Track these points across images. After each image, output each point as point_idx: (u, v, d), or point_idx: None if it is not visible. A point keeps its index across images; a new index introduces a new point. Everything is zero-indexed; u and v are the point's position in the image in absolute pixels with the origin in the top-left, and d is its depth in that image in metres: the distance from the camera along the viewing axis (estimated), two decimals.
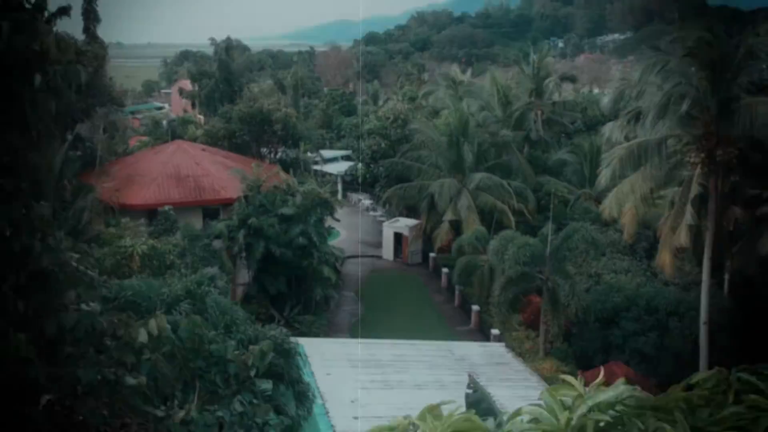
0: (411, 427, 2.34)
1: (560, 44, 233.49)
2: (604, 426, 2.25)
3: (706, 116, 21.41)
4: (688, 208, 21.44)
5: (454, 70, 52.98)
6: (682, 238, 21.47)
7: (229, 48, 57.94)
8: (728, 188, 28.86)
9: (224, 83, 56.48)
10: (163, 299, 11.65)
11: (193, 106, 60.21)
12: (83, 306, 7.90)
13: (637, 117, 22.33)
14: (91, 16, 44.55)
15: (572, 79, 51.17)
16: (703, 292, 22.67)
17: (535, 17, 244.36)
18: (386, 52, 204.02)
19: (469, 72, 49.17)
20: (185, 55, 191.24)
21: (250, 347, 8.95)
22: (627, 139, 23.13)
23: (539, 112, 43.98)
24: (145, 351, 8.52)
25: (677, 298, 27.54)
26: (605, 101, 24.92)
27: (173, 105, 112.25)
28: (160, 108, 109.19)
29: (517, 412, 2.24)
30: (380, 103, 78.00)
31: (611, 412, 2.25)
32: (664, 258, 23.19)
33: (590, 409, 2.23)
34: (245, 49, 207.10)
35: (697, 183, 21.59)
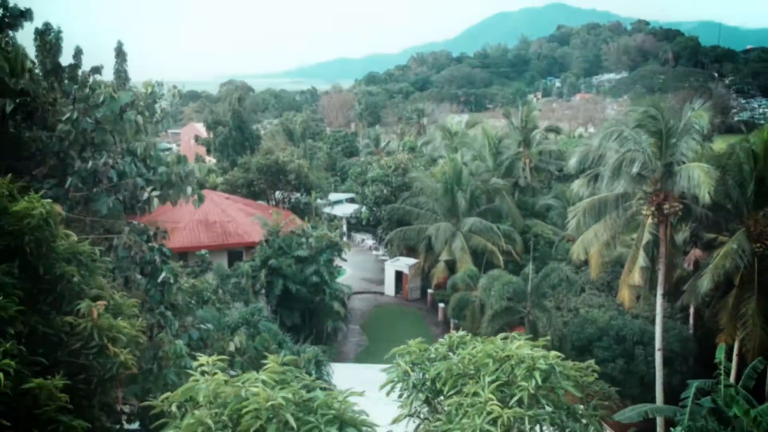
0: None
1: (557, 84, 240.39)
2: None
3: (653, 176, 26.08)
4: (641, 253, 25.99)
5: (450, 121, 58.10)
6: (636, 277, 25.98)
7: (241, 99, 63.02)
8: (688, 234, 33.54)
9: (237, 131, 61.51)
10: (228, 325, 16.08)
11: (208, 152, 65.07)
12: (202, 326, 12.54)
13: (596, 177, 27.07)
14: (122, 76, 49.56)
15: (557, 131, 56.39)
16: (657, 323, 27.04)
17: (533, 57, 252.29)
18: (387, 91, 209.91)
19: (464, 122, 54.14)
20: (191, 96, 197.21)
21: (301, 355, 13.39)
22: (590, 194, 27.78)
23: (527, 161, 48.90)
24: (236, 356, 13.13)
25: (642, 329, 31.87)
26: (572, 162, 29.67)
27: (182, 146, 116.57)
28: (168, 149, 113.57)
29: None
30: (382, 145, 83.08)
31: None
32: (624, 294, 27.67)
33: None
34: (249, 89, 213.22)
35: (648, 231, 26.14)
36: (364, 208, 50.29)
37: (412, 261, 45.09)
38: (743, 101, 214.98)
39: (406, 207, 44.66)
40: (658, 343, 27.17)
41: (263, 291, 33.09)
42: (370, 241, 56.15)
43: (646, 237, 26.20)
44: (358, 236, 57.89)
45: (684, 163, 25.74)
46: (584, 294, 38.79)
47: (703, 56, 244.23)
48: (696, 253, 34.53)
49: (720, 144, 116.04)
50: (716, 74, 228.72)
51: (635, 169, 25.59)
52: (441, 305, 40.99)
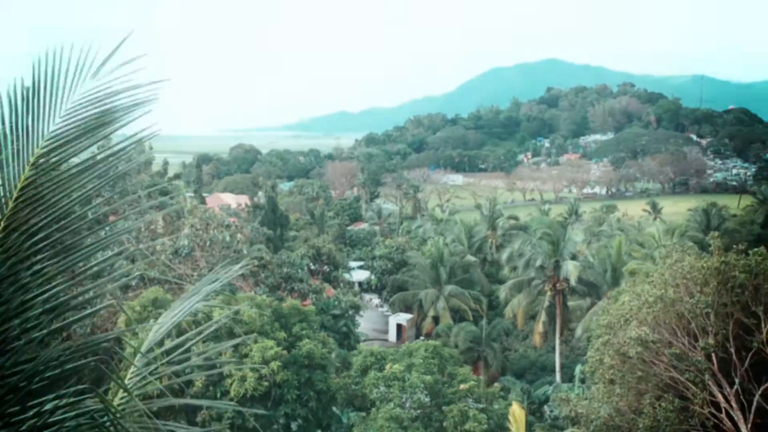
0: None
1: (546, 144, 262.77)
2: None
3: (549, 267, 45.93)
4: (543, 313, 45.70)
5: (437, 210, 78.73)
6: (540, 328, 45.60)
7: (274, 186, 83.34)
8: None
9: (271, 212, 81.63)
10: None
11: None
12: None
13: (515, 268, 46.95)
14: (200, 181, 69.64)
15: (516, 218, 76.84)
16: (556, 355, 46.50)
17: (523, 119, 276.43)
18: (385, 152, 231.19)
19: (449, 211, 74.23)
20: (203, 158, 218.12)
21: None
22: (513, 277, 47.62)
23: (493, 241, 68.95)
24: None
25: (559, 361, 51.26)
26: (504, 257, 49.59)
27: None
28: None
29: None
30: (384, 215, 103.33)
31: None
32: (535, 338, 47.25)
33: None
34: (257, 152, 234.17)
35: (548, 300, 45.89)
36: (372, 277, 70.04)
37: (408, 316, 64.46)
38: (720, 162, 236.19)
39: (404, 277, 64.38)
40: (557, 368, 46.64)
41: None
42: (376, 300, 75.66)
43: (546, 303, 45.99)
44: (367, 296, 77.37)
45: (566, 259, 45.68)
46: (528, 339, 58.34)
47: (684, 118, 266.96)
48: None
49: (673, 207, 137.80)
50: (695, 136, 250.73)
51: (538, 263, 45.55)
52: None
